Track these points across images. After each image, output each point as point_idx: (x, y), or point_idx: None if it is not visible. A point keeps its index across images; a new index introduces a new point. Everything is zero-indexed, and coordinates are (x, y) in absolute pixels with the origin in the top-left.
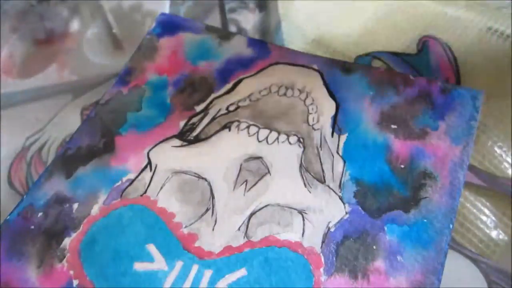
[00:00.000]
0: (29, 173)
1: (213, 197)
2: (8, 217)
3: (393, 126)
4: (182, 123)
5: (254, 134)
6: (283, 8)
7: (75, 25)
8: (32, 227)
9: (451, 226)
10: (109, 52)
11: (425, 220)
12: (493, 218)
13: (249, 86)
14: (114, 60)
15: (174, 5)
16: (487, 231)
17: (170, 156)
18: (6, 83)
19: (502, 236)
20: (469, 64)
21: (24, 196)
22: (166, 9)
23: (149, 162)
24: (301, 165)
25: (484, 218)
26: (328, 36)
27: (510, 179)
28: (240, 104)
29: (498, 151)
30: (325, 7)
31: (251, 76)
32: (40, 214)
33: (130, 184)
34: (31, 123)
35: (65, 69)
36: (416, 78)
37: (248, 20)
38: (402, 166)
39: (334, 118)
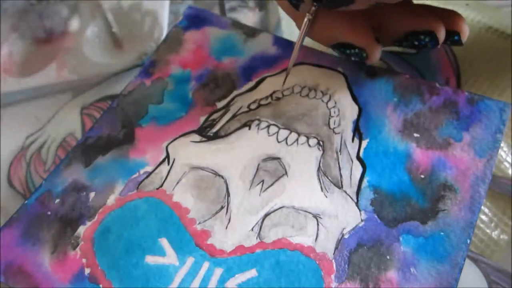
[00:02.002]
0: (29, 172)
1: (228, 195)
2: (26, 201)
3: (415, 135)
4: (202, 119)
5: (274, 134)
6: None
7: (74, 24)
8: (49, 213)
9: (468, 241)
10: (108, 51)
11: (442, 233)
12: (493, 218)
13: (272, 85)
14: (114, 59)
15: (174, 4)
16: (487, 231)
17: (189, 151)
18: (5, 82)
19: (502, 236)
20: (469, 63)
21: (43, 182)
22: (166, 9)
23: (167, 156)
24: (319, 169)
25: (484, 217)
26: None
27: (510, 179)
28: (261, 102)
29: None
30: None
31: (274, 75)
32: (57, 200)
33: (147, 176)
34: (30, 122)
35: (64, 68)
36: (442, 87)
37: (248, 19)
38: (422, 176)
39: (356, 123)
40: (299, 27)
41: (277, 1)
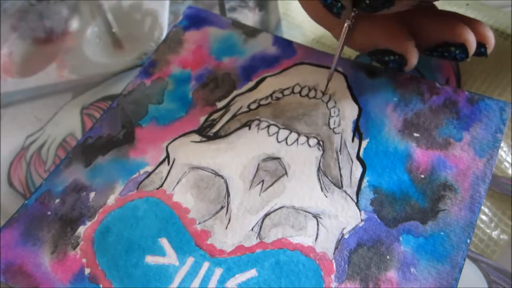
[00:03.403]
0: (29, 172)
1: (228, 195)
2: (26, 201)
3: (415, 135)
4: (202, 119)
5: (274, 134)
6: (283, 7)
7: (74, 24)
8: (49, 213)
9: (468, 241)
10: (108, 51)
11: (442, 233)
12: (493, 218)
13: (272, 85)
14: (114, 59)
15: (174, 4)
16: (487, 230)
17: (189, 151)
18: (5, 82)
19: (502, 235)
20: (469, 63)
21: (43, 182)
22: (166, 9)
23: (167, 156)
24: (319, 169)
25: (484, 217)
26: (328, 35)
27: (510, 179)
28: (261, 102)
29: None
30: None
31: (275, 74)
32: (57, 200)
33: (147, 176)
34: (30, 122)
35: (64, 68)
36: (443, 87)
37: (248, 19)
38: (422, 176)
39: (356, 123)
40: (335, 36)
41: (308, 13)
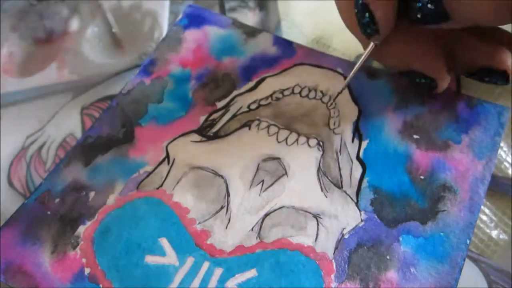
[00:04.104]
0: (29, 172)
1: (228, 195)
2: (26, 201)
3: (415, 136)
4: (202, 118)
5: (274, 134)
6: (283, 7)
7: (74, 24)
8: (49, 212)
9: (468, 241)
10: (108, 51)
11: (442, 234)
12: (493, 218)
13: (272, 85)
14: (114, 59)
15: (174, 4)
16: (487, 230)
17: (189, 151)
18: (5, 82)
19: (502, 236)
20: None
21: (43, 181)
22: (166, 9)
23: (167, 156)
24: (319, 169)
25: (484, 217)
26: (328, 35)
27: (510, 179)
28: (261, 102)
29: (498, 151)
30: (325, 6)
31: (274, 75)
32: (57, 200)
33: (147, 176)
34: (30, 122)
35: (64, 68)
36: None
37: (248, 19)
38: (422, 177)
39: (356, 124)
40: (364, 47)
41: (342, 14)
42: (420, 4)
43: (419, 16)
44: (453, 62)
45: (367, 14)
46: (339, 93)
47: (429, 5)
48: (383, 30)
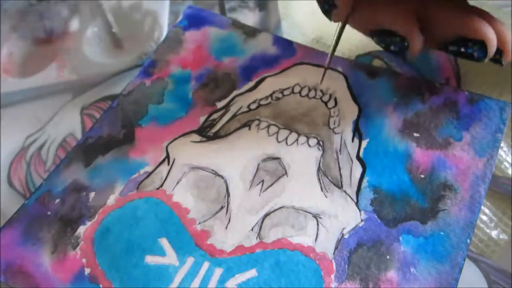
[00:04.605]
0: (29, 172)
1: (228, 195)
2: (26, 201)
3: (415, 134)
4: (202, 119)
5: (274, 134)
6: (283, 7)
7: (74, 24)
8: (49, 213)
9: (468, 241)
10: (108, 51)
11: (442, 233)
12: (493, 218)
13: (272, 85)
14: (114, 59)
15: (174, 4)
16: (487, 230)
17: (189, 151)
18: (5, 82)
19: (502, 235)
20: (469, 63)
21: (43, 182)
22: (166, 9)
23: (167, 156)
24: (319, 169)
25: (484, 217)
26: (328, 35)
27: (510, 179)
28: (261, 102)
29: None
30: None
31: (274, 74)
32: (57, 200)
33: (147, 176)
34: (30, 122)
35: (64, 68)
36: (443, 86)
37: (248, 19)
38: (422, 176)
39: (356, 123)
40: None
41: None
42: None
43: None
44: (426, 33)
45: None
46: (322, 78)
47: None
48: (338, 2)
